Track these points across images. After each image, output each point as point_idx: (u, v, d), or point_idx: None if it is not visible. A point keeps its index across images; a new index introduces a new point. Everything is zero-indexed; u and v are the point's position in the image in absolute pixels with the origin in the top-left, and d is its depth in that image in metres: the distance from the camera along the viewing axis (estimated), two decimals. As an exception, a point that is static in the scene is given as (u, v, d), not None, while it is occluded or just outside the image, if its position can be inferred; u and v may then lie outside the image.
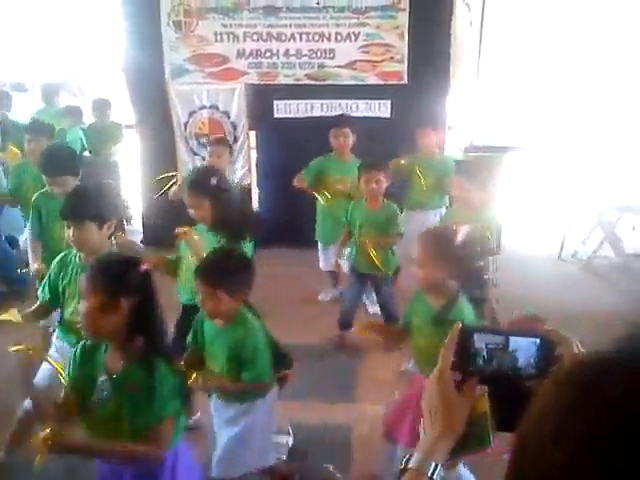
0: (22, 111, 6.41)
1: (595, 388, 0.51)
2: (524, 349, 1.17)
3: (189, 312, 2.72)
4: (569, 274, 5.23)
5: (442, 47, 5.11)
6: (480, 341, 1.18)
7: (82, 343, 1.94)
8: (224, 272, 2.27)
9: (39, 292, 2.59)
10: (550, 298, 4.38)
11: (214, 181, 2.92)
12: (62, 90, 6.92)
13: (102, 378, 1.83)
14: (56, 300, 2.55)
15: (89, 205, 2.51)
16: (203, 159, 5.59)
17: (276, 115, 5.36)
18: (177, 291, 3.02)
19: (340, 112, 5.29)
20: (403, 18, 5.06)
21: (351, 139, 4.36)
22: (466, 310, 2.36)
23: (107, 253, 2.45)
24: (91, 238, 2.49)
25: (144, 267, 1.88)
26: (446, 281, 2.38)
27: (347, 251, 3.98)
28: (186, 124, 5.48)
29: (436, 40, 5.08)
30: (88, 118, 6.22)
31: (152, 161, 5.48)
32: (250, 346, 2.30)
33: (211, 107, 5.43)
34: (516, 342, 1.17)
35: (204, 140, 5.43)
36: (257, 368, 2.32)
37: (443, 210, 4.51)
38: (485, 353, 1.18)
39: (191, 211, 2.92)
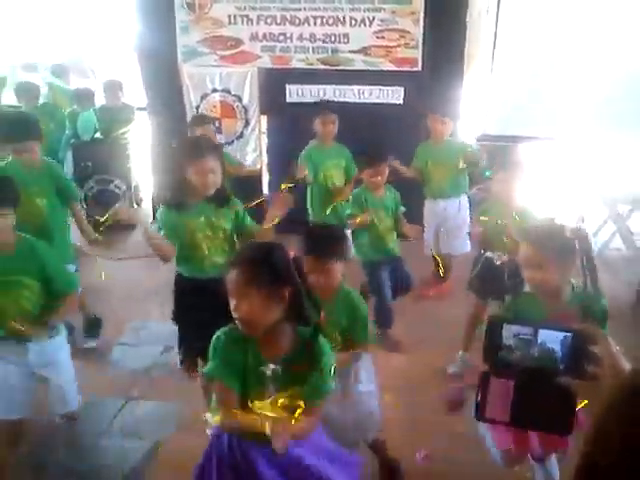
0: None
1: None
2: (553, 343, 1.14)
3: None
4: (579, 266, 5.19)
5: (457, 34, 5.06)
6: (508, 332, 1.16)
7: (227, 330, 1.83)
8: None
9: None
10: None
11: None
12: (72, 71, 6.89)
13: (267, 370, 1.76)
14: None
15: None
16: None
17: (288, 99, 5.34)
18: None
19: (353, 97, 5.27)
20: (419, 4, 5.00)
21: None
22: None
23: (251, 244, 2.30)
24: None
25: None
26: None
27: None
28: (198, 107, 5.45)
29: (451, 27, 5.02)
30: (99, 99, 6.20)
31: (163, 144, 5.47)
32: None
33: (223, 90, 5.40)
34: (545, 335, 1.14)
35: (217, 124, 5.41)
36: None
37: (465, 198, 4.48)
38: (512, 344, 1.16)
39: (210, 176, 2.73)
